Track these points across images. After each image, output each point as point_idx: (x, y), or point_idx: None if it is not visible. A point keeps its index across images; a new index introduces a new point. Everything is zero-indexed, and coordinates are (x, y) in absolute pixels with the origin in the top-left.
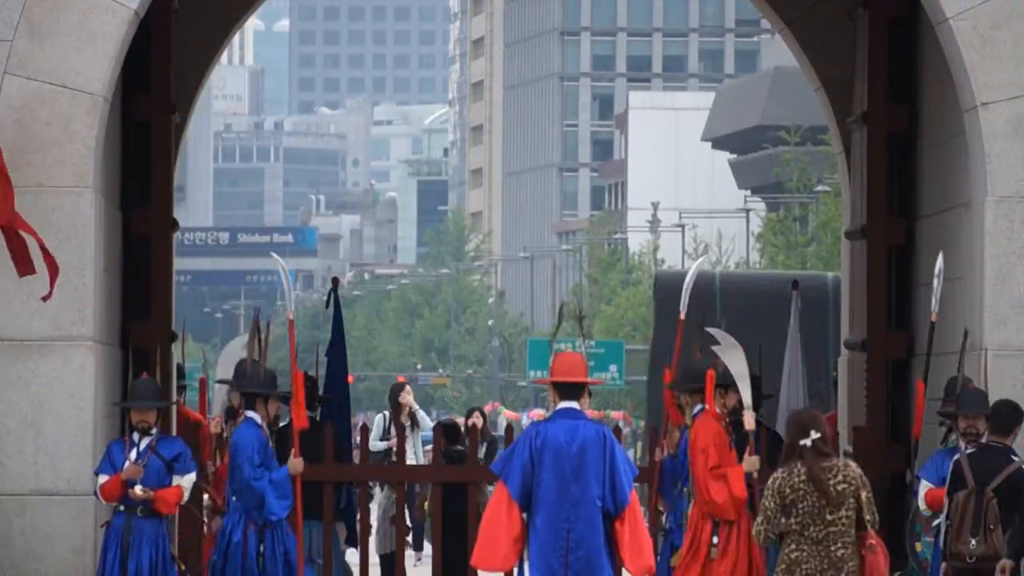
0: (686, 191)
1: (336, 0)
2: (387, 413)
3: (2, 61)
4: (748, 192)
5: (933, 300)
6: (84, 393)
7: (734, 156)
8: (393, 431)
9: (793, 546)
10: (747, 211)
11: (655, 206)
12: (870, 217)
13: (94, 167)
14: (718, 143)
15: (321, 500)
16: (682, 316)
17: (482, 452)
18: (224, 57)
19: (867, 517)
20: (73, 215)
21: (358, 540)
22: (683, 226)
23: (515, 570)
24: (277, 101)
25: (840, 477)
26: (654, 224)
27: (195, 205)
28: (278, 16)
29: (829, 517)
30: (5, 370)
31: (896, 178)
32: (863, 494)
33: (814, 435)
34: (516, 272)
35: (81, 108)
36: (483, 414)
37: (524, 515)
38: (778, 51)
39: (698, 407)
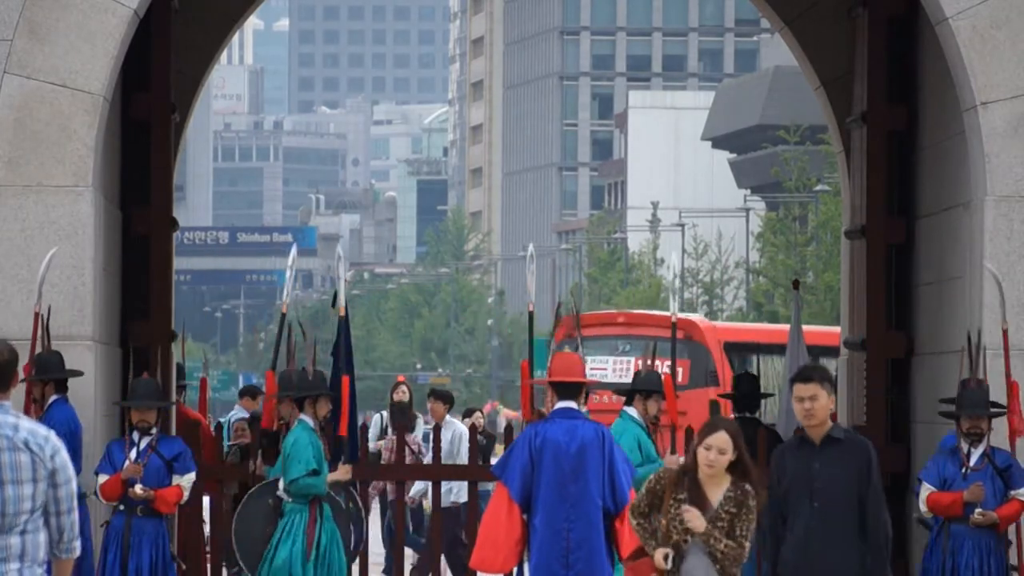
0: (686, 190)
1: (336, 0)
2: (384, 413)
3: (2, 61)
4: (748, 191)
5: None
6: (84, 393)
7: (734, 155)
8: (391, 430)
9: None
10: (747, 210)
11: (655, 205)
12: (869, 217)
13: (94, 167)
14: (718, 142)
15: None
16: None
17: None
18: (224, 57)
19: None
20: (73, 215)
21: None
22: (683, 225)
23: (515, 571)
24: (277, 100)
25: None
26: (654, 223)
27: (195, 204)
28: (278, 15)
29: None
30: None
31: (896, 178)
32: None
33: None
34: (516, 272)
35: (81, 108)
36: (482, 413)
37: (524, 516)
38: (778, 51)
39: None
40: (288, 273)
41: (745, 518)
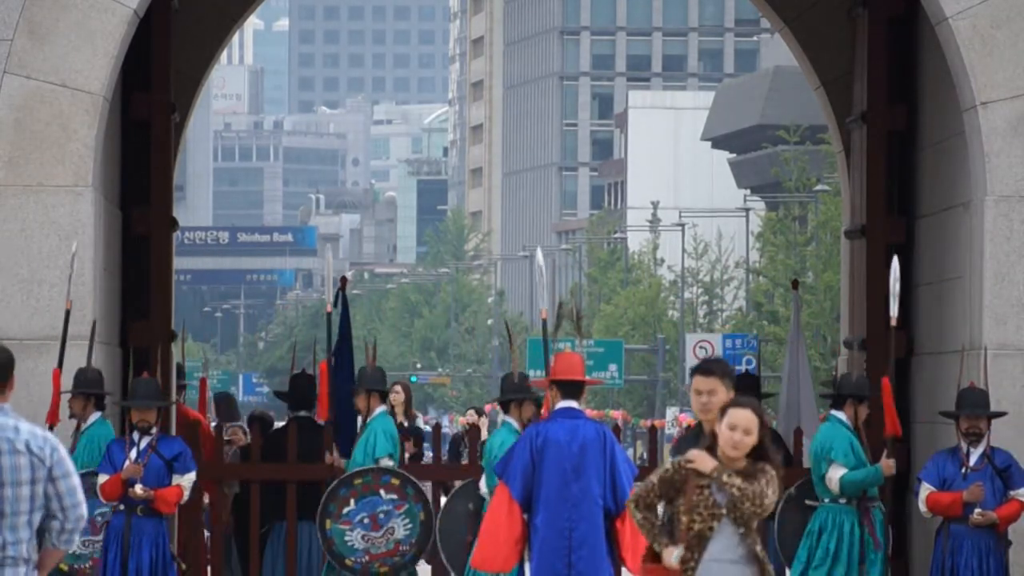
0: (685, 190)
1: (336, 0)
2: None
3: (2, 61)
4: (748, 191)
5: None
6: None
7: (733, 155)
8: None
9: None
10: (747, 210)
11: (655, 205)
12: (869, 216)
13: (94, 166)
14: (718, 142)
15: (320, 500)
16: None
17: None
18: (224, 56)
19: None
20: (73, 215)
21: None
22: (683, 225)
23: (515, 570)
24: (277, 100)
25: None
26: (654, 223)
27: (195, 204)
28: (278, 15)
29: None
30: None
31: (896, 178)
32: None
33: None
34: (516, 271)
35: (81, 107)
36: (480, 413)
37: (525, 516)
38: (778, 50)
39: None
40: (70, 270)
41: (760, 480)
